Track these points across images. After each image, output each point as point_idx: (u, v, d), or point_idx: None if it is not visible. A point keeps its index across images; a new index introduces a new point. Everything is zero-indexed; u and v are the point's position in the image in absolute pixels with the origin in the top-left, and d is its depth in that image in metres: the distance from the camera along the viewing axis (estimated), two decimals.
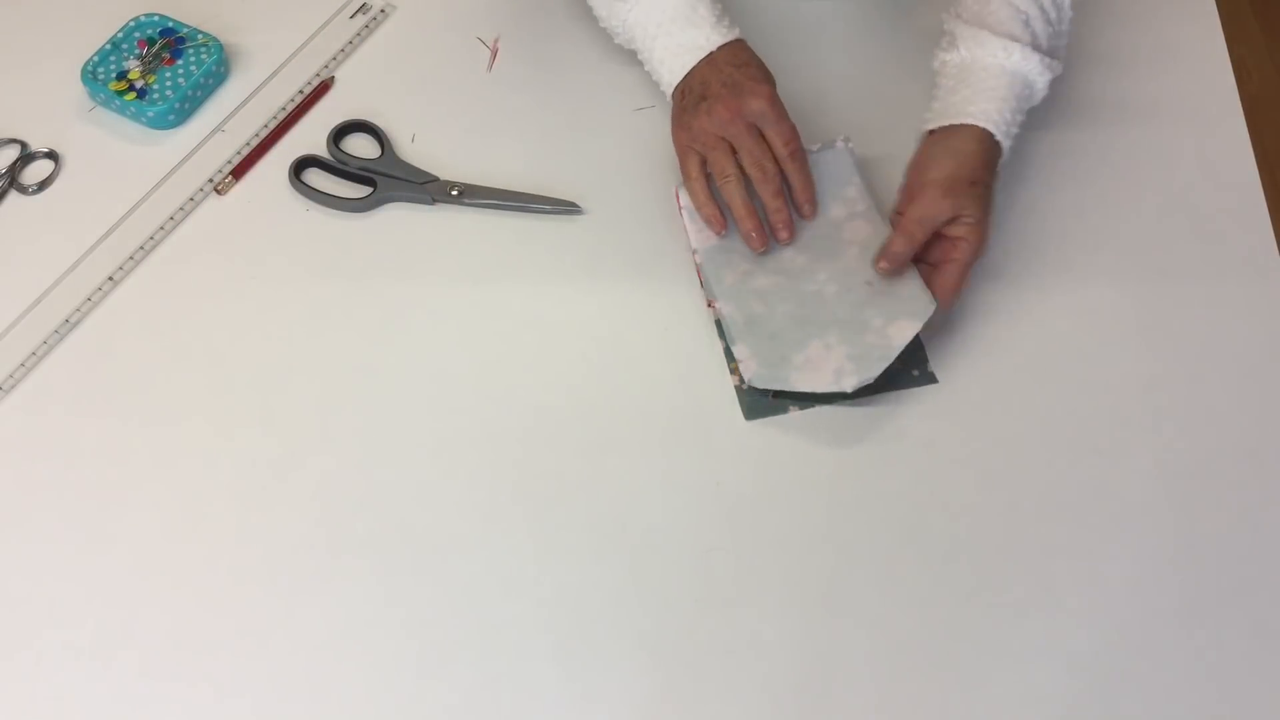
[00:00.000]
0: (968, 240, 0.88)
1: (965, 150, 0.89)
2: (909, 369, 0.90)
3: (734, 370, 0.90)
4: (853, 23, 1.08)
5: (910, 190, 0.90)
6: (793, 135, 0.92)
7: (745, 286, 0.93)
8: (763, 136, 0.92)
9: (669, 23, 0.94)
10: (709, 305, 0.93)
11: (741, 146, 0.92)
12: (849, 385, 0.87)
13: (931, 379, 0.90)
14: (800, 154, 0.93)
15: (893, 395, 0.90)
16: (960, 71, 0.93)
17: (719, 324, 0.92)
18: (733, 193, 0.92)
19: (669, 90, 0.96)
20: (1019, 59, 0.91)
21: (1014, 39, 0.91)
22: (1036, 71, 0.92)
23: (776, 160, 0.92)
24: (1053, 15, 0.94)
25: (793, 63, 1.03)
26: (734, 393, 0.90)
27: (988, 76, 0.91)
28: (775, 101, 0.92)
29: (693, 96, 0.93)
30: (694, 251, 0.95)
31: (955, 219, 0.88)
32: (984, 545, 0.84)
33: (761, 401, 0.89)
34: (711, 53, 0.93)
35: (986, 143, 0.90)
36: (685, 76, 0.94)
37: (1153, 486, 0.87)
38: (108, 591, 0.82)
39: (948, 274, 0.89)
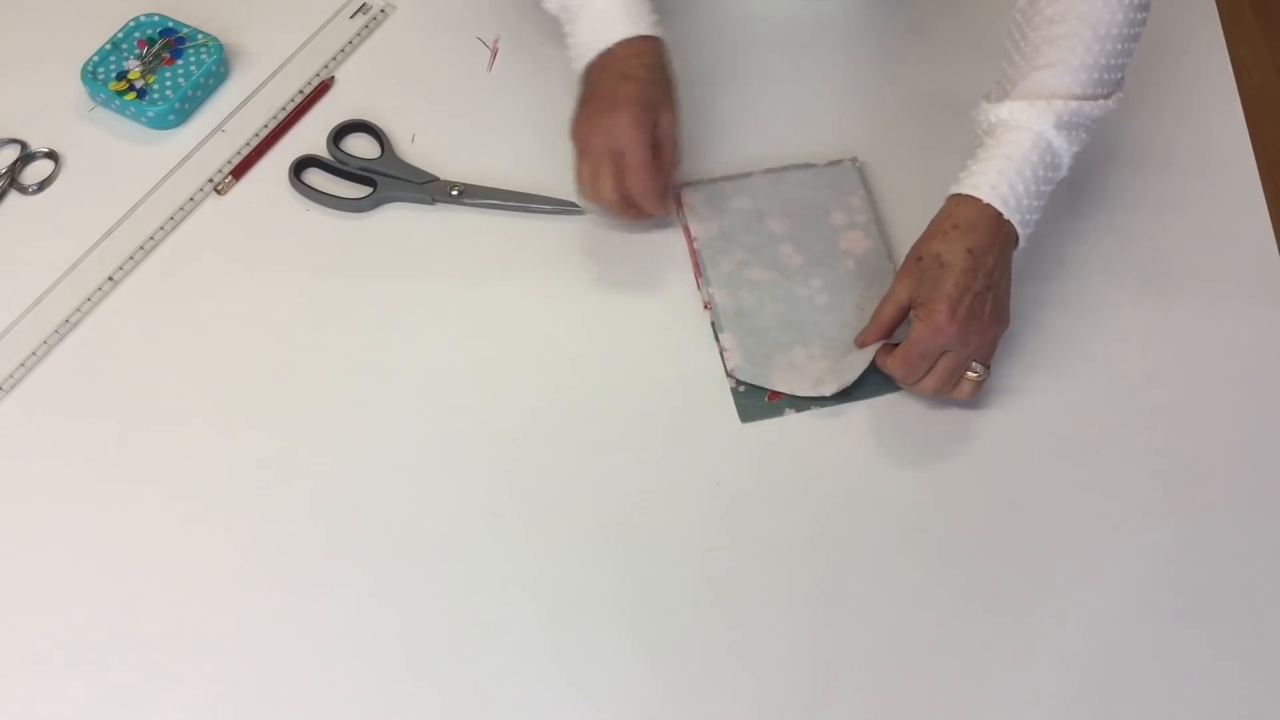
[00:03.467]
0: (915, 321, 0.85)
1: (943, 224, 0.85)
2: None
3: (730, 372, 0.90)
4: (856, 25, 1.08)
5: None
6: (635, 176, 0.89)
7: (740, 275, 0.94)
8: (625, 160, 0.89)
9: (578, 7, 0.91)
10: (705, 307, 0.93)
11: (600, 169, 0.90)
12: (828, 390, 0.88)
13: None
14: (639, 187, 0.90)
15: (893, 395, 0.90)
16: (986, 131, 0.87)
17: (714, 323, 0.92)
18: (594, 202, 0.92)
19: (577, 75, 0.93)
20: (1049, 125, 0.84)
21: (1053, 96, 0.84)
22: (1063, 142, 0.85)
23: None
24: (1111, 45, 0.87)
25: (794, 65, 1.03)
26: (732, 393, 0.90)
27: (1008, 143, 0.84)
28: (630, 137, 0.88)
29: (582, 91, 0.92)
30: (693, 239, 0.95)
31: (913, 301, 0.85)
32: (984, 545, 0.84)
33: (756, 404, 0.89)
34: (609, 48, 0.90)
35: (983, 218, 0.84)
36: (586, 67, 0.91)
37: (1153, 486, 0.87)
38: (107, 591, 0.82)
39: (894, 354, 0.86)
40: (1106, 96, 0.87)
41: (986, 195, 0.84)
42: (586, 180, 0.91)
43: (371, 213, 0.98)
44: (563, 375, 0.90)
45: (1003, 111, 0.85)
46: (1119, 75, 0.89)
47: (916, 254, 0.85)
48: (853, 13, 1.08)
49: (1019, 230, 0.85)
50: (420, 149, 1.01)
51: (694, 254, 0.95)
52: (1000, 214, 0.84)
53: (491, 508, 0.85)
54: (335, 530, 0.84)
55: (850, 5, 1.09)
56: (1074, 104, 0.85)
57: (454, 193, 0.98)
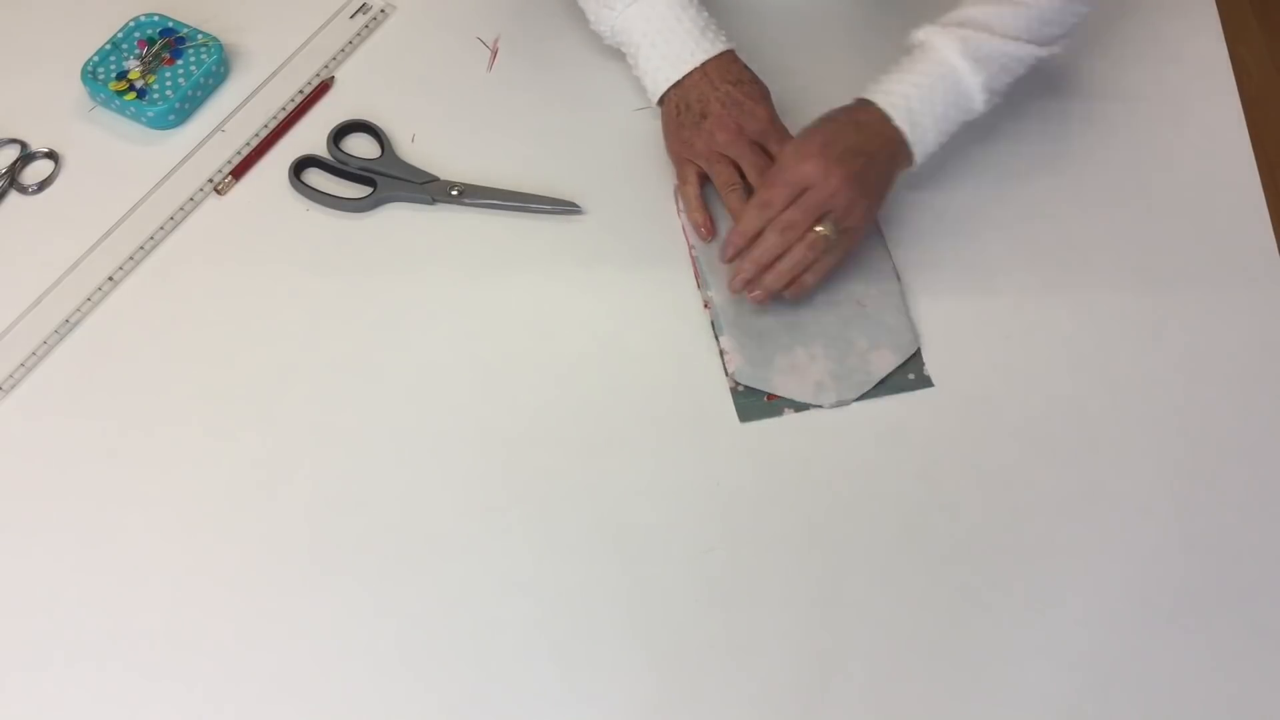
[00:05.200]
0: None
1: (840, 113, 0.89)
2: (905, 373, 0.90)
3: (730, 375, 0.90)
4: (852, 25, 1.08)
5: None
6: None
7: None
8: (765, 150, 0.93)
9: (654, 33, 0.94)
10: (705, 306, 0.93)
11: (744, 160, 0.93)
12: (827, 402, 0.88)
13: (927, 383, 0.90)
14: None
15: (893, 396, 0.90)
16: (905, 50, 0.92)
17: (714, 325, 0.92)
18: (738, 200, 0.92)
19: (654, 100, 0.96)
20: (956, 52, 0.87)
21: (973, 27, 0.88)
22: (971, 73, 0.88)
23: None
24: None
25: (791, 65, 1.03)
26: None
27: (920, 61, 0.89)
28: (775, 120, 0.94)
29: (691, 114, 0.94)
30: (691, 246, 0.95)
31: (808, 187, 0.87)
32: (984, 545, 0.84)
33: (755, 404, 0.89)
34: (701, 66, 0.93)
35: (879, 122, 0.88)
36: (675, 88, 0.94)
37: (1153, 486, 0.87)
38: (106, 591, 0.82)
39: (757, 186, 0.88)
40: (1039, 45, 0.90)
41: (885, 105, 0.87)
42: (725, 179, 0.93)
43: (371, 213, 0.98)
44: (562, 375, 0.90)
45: (921, 34, 0.89)
46: (1060, 31, 0.91)
47: (846, 148, 0.87)
48: (851, 12, 1.09)
49: (914, 149, 0.88)
50: (420, 149, 1.01)
51: (692, 256, 0.95)
52: (897, 127, 0.87)
53: (491, 507, 0.85)
54: (334, 530, 0.84)
55: (848, 5, 1.09)
56: (986, 38, 0.87)
57: (454, 193, 0.98)
